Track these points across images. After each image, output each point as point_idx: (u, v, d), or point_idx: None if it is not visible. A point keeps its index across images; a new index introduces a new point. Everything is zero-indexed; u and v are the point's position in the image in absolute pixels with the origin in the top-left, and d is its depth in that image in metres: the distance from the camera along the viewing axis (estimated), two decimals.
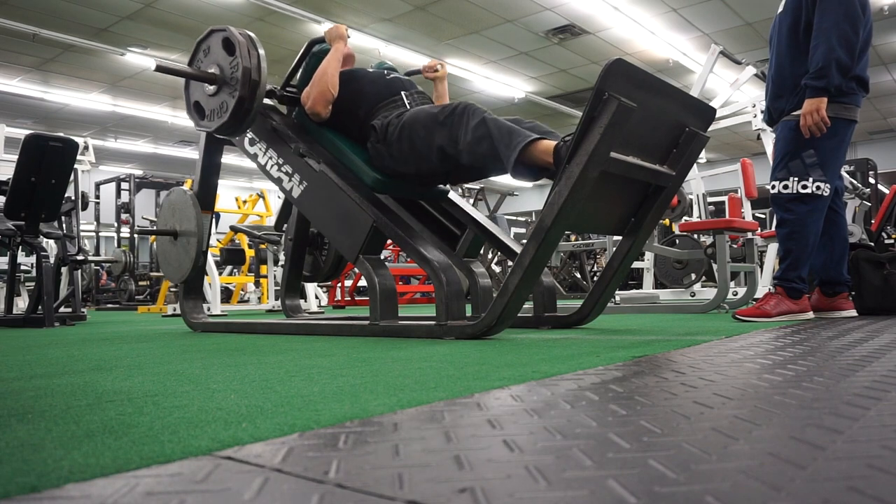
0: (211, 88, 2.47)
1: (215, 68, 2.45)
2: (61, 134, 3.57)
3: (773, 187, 2.53)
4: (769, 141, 5.13)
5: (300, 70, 2.72)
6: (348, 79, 2.57)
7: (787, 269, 2.54)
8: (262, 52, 2.38)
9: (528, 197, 17.88)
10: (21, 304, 5.84)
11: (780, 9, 2.65)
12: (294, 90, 2.72)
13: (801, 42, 2.49)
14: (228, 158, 10.15)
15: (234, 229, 5.97)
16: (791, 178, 2.48)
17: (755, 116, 4.96)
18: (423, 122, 2.27)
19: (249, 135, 2.64)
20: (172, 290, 5.81)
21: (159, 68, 2.39)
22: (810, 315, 2.59)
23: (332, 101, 2.52)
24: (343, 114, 2.55)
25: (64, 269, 4.95)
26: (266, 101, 2.60)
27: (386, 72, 2.66)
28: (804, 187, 2.45)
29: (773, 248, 5.23)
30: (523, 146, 1.97)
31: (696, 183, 5.70)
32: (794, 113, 2.49)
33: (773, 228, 3.11)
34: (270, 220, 7.10)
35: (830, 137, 2.46)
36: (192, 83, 2.60)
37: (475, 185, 8.41)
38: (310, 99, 2.53)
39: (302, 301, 4.05)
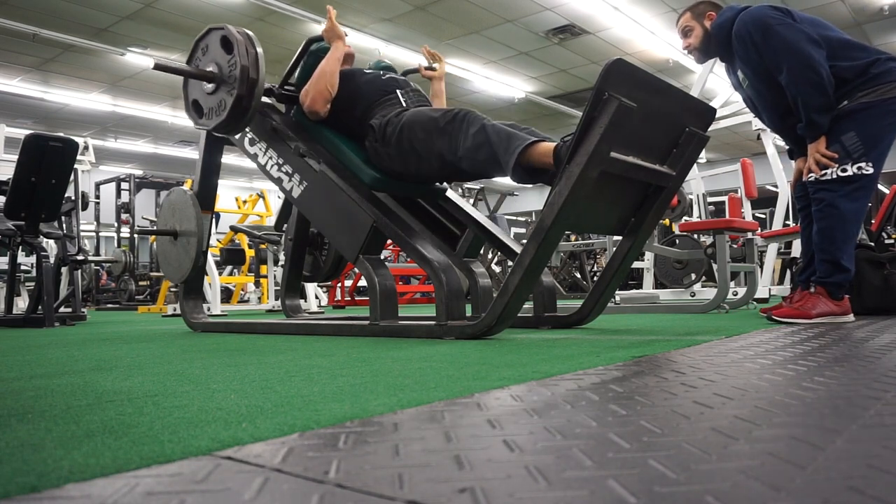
0: (209, 87, 2.47)
1: (213, 67, 2.45)
2: (61, 134, 3.57)
3: (811, 175, 2.41)
4: (769, 141, 5.14)
5: (298, 68, 2.72)
6: (345, 78, 2.57)
7: (825, 262, 2.38)
8: (259, 50, 2.38)
9: (528, 197, 17.89)
10: (21, 304, 5.84)
11: (733, 80, 2.65)
12: (292, 88, 2.72)
13: (773, 86, 2.46)
14: (228, 158, 10.13)
15: (234, 229, 5.98)
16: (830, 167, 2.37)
17: (755, 116, 4.96)
18: (422, 125, 2.28)
19: (249, 135, 2.64)
20: (172, 290, 5.81)
21: (158, 66, 2.38)
22: (851, 318, 2.44)
23: (330, 99, 2.53)
24: (340, 112, 2.56)
25: (64, 269, 4.95)
26: (265, 99, 2.60)
27: (382, 72, 2.67)
28: (844, 171, 2.35)
29: (773, 248, 5.24)
30: (521, 149, 1.98)
31: (696, 183, 5.70)
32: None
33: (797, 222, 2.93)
34: (270, 220, 7.10)
35: (880, 117, 2.34)
36: (190, 82, 2.60)
37: (475, 185, 8.42)
38: (308, 97, 2.53)
39: (302, 301, 4.05)
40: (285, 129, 2.59)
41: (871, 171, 2.34)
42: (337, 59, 2.55)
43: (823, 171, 2.38)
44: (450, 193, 2.78)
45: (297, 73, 2.73)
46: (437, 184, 2.70)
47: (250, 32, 2.43)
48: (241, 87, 2.33)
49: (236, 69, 2.35)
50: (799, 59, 2.32)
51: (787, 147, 2.76)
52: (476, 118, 2.16)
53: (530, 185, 18.84)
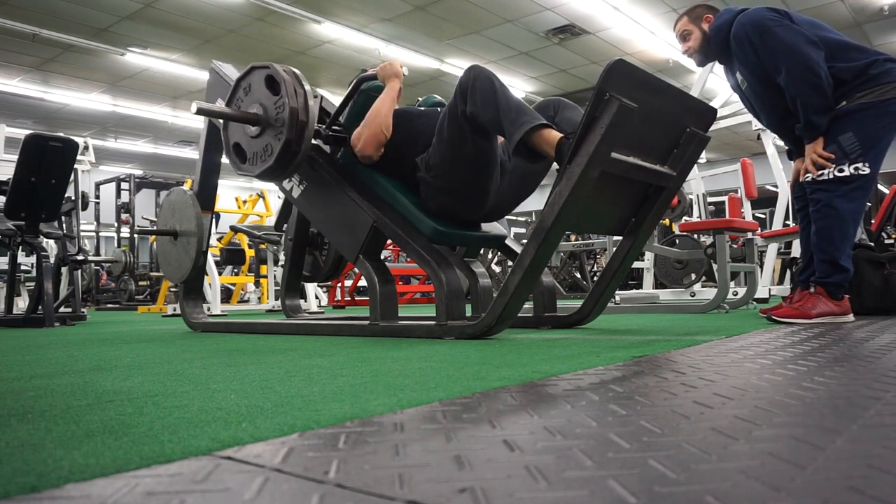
0: (253, 130, 2.33)
1: (258, 108, 2.32)
2: (61, 134, 3.57)
3: (808, 175, 2.41)
4: (769, 141, 5.14)
5: (348, 108, 2.53)
6: (403, 119, 2.41)
7: (824, 263, 2.38)
8: (308, 88, 2.25)
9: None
10: (21, 304, 5.84)
11: (732, 82, 2.66)
12: (340, 129, 2.55)
13: (771, 87, 2.46)
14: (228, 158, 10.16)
15: (234, 229, 5.98)
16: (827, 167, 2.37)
17: (754, 117, 4.95)
18: (445, 111, 2.21)
19: None
20: (172, 290, 5.81)
21: (200, 111, 2.23)
22: (851, 318, 2.43)
23: (384, 143, 2.35)
24: (396, 154, 2.38)
25: (64, 269, 4.95)
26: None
27: (438, 108, 2.54)
28: (840, 171, 2.35)
29: (773, 248, 5.24)
30: (529, 129, 1.93)
31: (696, 183, 5.71)
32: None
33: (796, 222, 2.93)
34: (270, 220, 7.10)
35: (878, 118, 2.35)
36: (231, 123, 2.46)
37: None
38: (361, 140, 2.35)
39: (302, 301, 4.05)
40: (333, 174, 2.41)
41: (867, 171, 2.34)
42: (392, 99, 2.38)
43: (820, 172, 2.38)
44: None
45: (345, 113, 2.54)
46: (496, 230, 2.60)
47: (297, 71, 2.30)
48: (289, 131, 2.20)
49: (284, 111, 2.21)
50: (797, 61, 2.32)
51: (786, 147, 2.77)
52: (483, 72, 2.09)
53: None
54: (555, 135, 1.93)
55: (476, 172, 2.26)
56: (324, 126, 2.51)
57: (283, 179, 2.48)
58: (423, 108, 2.57)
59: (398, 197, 2.34)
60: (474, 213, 2.40)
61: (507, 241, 2.66)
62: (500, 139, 2.29)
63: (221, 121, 2.51)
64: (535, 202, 17.96)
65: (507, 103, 2.01)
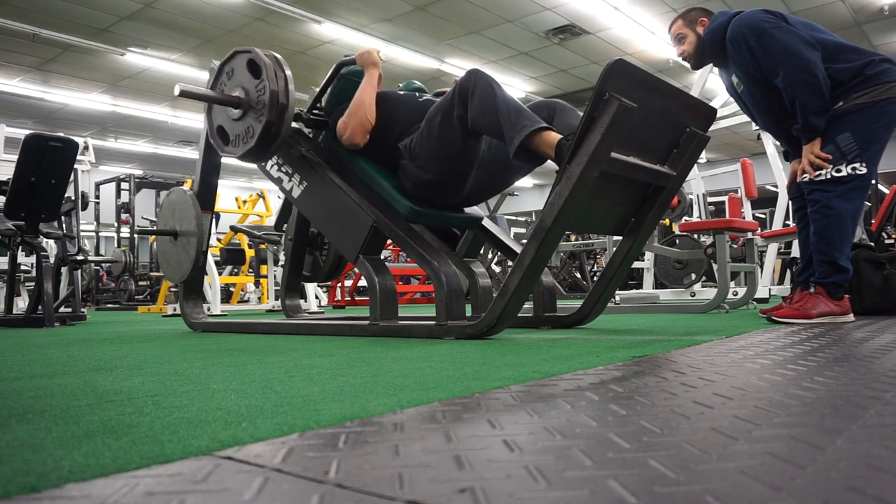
0: (236, 112, 2.40)
1: (240, 91, 2.37)
2: (61, 134, 3.57)
3: (805, 175, 2.41)
4: (769, 141, 5.14)
5: (328, 92, 2.62)
6: (381, 102, 2.49)
7: (823, 263, 2.38)
8: (289, 73, 2.31)
9: (528, 197, 17.88)
10: (21, 304, 5.84)
11: (728, 85, 2.67)
12: (320, 113, 2.63)
13: (768, 89, 2.46)
14: (228, 158, 10.19)
15: (234, 229, 5.98)
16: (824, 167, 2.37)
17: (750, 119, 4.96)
18: (438, 107, 2.24)
19: None
20: (172, 290, 5.81)
21: (184, 93, 2.28)
22: (851, 318, 2.44)
23: (369, 130, 2.44)
24: (376, 137, 2.46)
25: (64, 269, 4.95)
26: (293, 124, 2.49)
27: (417, 93, 2.61)
28: (838, 171, 2.35)
29: (773, 248, 5.24)
30: (529, 133, 1.94)
31: (696, 183, 5.71)
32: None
33: (794, 223, 2.93)
34: (270, 220, 7.10)
35: (874, 118, 2.35)
36: (215, 107, 2.52)
37: None
38: (347, 129, 2.43)
39: (302, 301, 4.05)
40: (315, 158, 2.48)
41: (865, 171, 2.34)
42: (373, 86, 2.48)
43: (818, 172, 2.38)
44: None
45: (326, 97, 2.63)
46: (472, 210, 2.63)
47: (278, 55, 2.36)
48: (270, 113, 2.26)
49: (265, 94, 2.28)
50: (795, 62, 2.32)
51: (783, 148, 2.77)
52: (483, 77, 2.11)
53: (530, 185, 18.67)
54: (554, 136, 1.93)
55: (460, 167, 2.32)
56: (305, 110, 2.59)
57: (265, 161, 2.54)
58: (402, 93, 2.62)
59: (376, 178, 2.43)
60: (451, 200, 2.47)
61: (507, 242, 2.66)
62: None
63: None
64: (535, 202, 17.98)
65: (507, 107, 2.02)
